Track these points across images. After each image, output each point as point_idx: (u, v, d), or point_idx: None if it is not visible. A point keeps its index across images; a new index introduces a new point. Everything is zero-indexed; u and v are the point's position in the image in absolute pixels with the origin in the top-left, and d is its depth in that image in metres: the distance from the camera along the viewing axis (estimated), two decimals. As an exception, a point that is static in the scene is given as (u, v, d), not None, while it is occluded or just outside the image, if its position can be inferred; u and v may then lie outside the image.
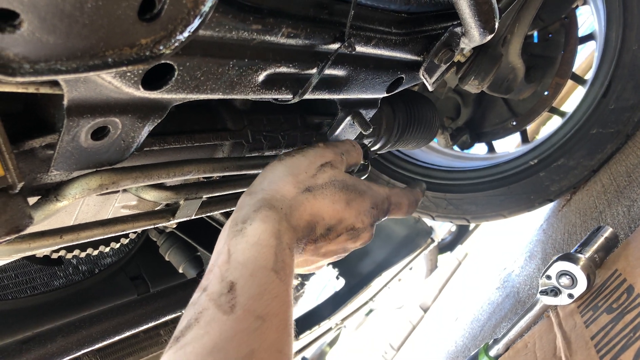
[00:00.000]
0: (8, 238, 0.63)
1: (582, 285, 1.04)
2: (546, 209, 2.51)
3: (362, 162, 1.29)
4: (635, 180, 1.49)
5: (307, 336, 2.65)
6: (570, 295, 1.05)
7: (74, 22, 0.47)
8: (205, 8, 0.54)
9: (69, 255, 1.17)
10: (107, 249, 1.26)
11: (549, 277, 1.07)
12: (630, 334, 0.76)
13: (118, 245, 1.26)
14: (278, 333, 0.59)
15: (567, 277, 1.05)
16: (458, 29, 0.98)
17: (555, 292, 1.07)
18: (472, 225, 5.22)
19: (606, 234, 1.13)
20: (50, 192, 0.72)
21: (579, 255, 1.06)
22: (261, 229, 0.67)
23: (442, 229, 5.34)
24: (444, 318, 3.43)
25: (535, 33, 2.27)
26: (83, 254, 1.20)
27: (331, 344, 6.30)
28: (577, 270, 1.03)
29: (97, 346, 0.90)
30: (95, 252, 1.21)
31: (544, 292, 1.09)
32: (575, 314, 1.02)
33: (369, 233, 0.85)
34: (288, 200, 0.74)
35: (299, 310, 2.71)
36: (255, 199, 0.72)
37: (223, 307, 0.58)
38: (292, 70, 0.80)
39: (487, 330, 1.89)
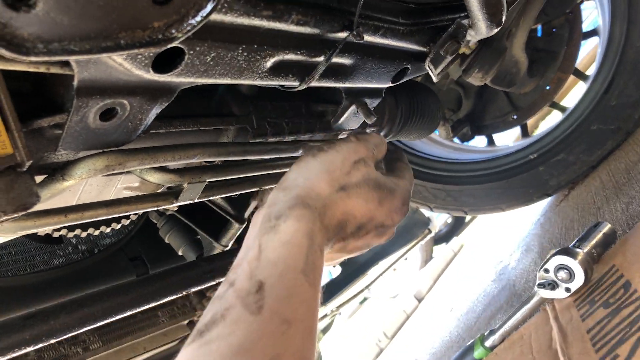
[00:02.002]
0: (15, 215, 0.64)
1: (579, 279, 1.05)
2: (543, 203, 2.52)
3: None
4: (634, 177, 1.50)
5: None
6: (568, 289, 1.07)
7: (89, 3, 0.47)
8: (219, -7, 0.55)
9: (71, 235, 1.18)
10: (108, 230, 1.26)
11: (546, 271, 1.09)
12: (627, 329, 0.78)
13: (119, 226, 1.27)
14: (303, 339, 0.59)
15: (565, 271, 1.06)
16: (465, 21, 0.98)
17: (552, 285, 1.08)
18: (468, 218, 5.24)
19: (604, 230, 1.14)
20: (57, 171, 0.72)
21: (577, 250, 1.07)
22: (294, 227, 0.66)
23: (438, 220, 5.37)
24: (439, 308, 3.46)
25: (539, 27, 2.27)
26: (84, 234, 1.21)
27: (324, 330, 6.35)
28: (575, 264, 1.04)
29: (98, 324, 0.90)
30: (97, 232, 1.22)
31: (542, 285, 1.10)
32: (572, 307, 1.03)
33: (394, 229, 0.85)
34: (322, 199, 0.73)
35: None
36: (289, 195, 0.71)
37: (250, 307, 0.58)
38: (300, 57, 0.80)
39: (482, 321, 1.91)
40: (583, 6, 2.32)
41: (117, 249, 1.53)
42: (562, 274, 1.06)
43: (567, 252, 1.06)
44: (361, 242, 0.80)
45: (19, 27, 0.45)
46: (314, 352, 0.61)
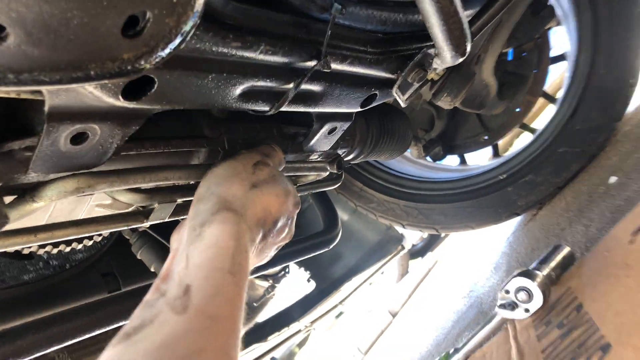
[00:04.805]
0: (-17, 237, 0.65)
1: (537, 300, 1.09)
2: (513, 222, 2.58)
3: (335, 171, 1.33)
4: (595, 201, 1.56)
5: (275, 337, 2.68)
6: (527, 310, 1.11)
7: (60, 37, 0.49)
8: (187, 27, 0.57)
9: (41, 251, 1.18)
10: (80, 246, 1.27)
11: (507, 292, 1.12)
12: (575, 349, 0.81)
13: (91, 242, 1.27)
14: (227, 335, 0.60)
15: (525, 292, 1.10)
16: (431, 50, 1.02)
17: (512, 306, 1.12)
18: (442, 234, 5.29)
19: (563, 253, 1.18)
20: (27, 192, 0.73)
21: (537, 272, 1.12)
22: (219, 230, 0.70)
23: (414, 235, 5.41)
24: (412, 324, 3.50)
25: (510, 51, 2.34)
26: (55, 250, 1.21)
27: (300, 344, 6.32)
28: (533, 286, 1.08)
29: (67, 343, 0.91)
30: (68, 249, 1.22)
31: (502, 306, 1.14)
32: (530, 327, 1.07)
33: (293, 226, 0.91)
34: (240, 199, 0.77)
35: (269, 312, 2.74)
36: (209, 203, 0.75)
37: (177, 309, 0.60)
38: (269, 84, 0.83)
39: (450, 338, 1.94)
40: (553, 31, 2.40)
41: (89, 265, 1.53)
42: (522, 295, 1.10)
43: (527, 274, 1.10)
44: (277, 238, 0.85)
45: (-10, 59, 0.47)
46: (238, 349, 0.62)
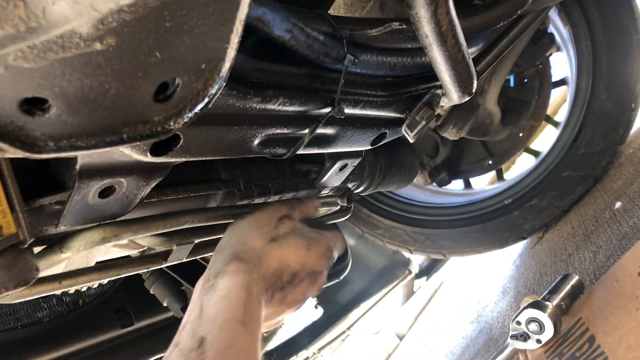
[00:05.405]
0: (16, 290, 0.67)
1: (549, 331, 1.10)
2: (519, 246, 2.59)
3: (346, 204, 1.35)
4: (601, 225, 1.58)
5: (284, 366, 2.68)
6: (539, 341, 1.12)
7: (97, 106, 0.52)
8: (213, 90, 0.60)
9: (59, 292, 1.20)
10: (95, 285, 1.29)
11: (519, 323, 1.14)
12: (590, 385, 0.83)
13: (107, 281, 1.29)
14: None
15: (536, 323, 1.12)
16: (439, 91, 1.06)
17: (524, 337, 1.13)
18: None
19: (572, 282, 1.20)
20: (55, 244, 0.76)
21: (547, 302, 1.13)
22: (231, 281, 0.72)
23: (416, 258, 5.40)
24: (419, 348, 3.48)
25: (512, 77, 2.39)
26: (72, 290, 1.23)
27: (306, 369, 6.26)
28: (544, 317, 1.10)
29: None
30: (84, 288, 1.24)
31: (514, 337, 1.15)
32: (543, 358, 1.08)
33: (324, 277, 0.92)
34: (256, 251, 0.79)
35: (277, 339, 2.74)
36: (225, 254, 0.78)
37: None
38: (286, 131, 0.86)
39: (460, 365, 1.94)
40: (553, 57, 2.45)
41: (102, 301, 1.55)
42: (533, 326, 1.12)
43: (537, 305, 1.12)
44: (298, 292, 0.86)
45: (33, 129, 0.50)
46: None
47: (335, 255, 0.93)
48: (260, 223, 0.85)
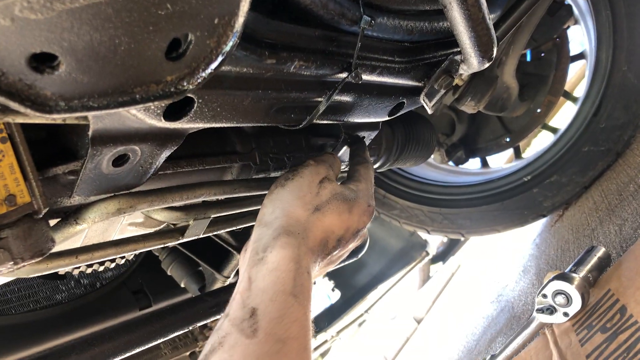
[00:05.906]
0: (32, 261, 0.66)
1: (576, 304, 1.07)
2: (539, 224, 2.55)
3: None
4: (626, 199, 1.54)
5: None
6: (566, 314, 1.09)
7: (107, 63, 0.50)
8: (227, 47, 0.58)
9: (76, 271, 1.20)
10: (112, 265, 1.28)
11: (544, 296, 1.11)
12: (624, 354, 0.80)
13: (123, 261, 1.28)
14: (298, 356, 0.62)
15: (563, 296, 1.08)
16: (458, 57, 1.02)
17: (551, 310, 1.10)
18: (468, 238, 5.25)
19: (599, 254, 1.17)
20: (70, 215, 0.74)
21: (574, 274, 1.10)
22: (281, 255, 0.71)
23: (434, 240, 5.37)
24: (438, 331, 3.46)
25: (529, 52, 2.33)
26: (89, 270, 1.22)
27: (323, 354, 6.29)
28: (572, 289, 1.07)
29: (109, 363, 0.92)
30: (101, 268, 1.23)
31: (540, 310, 1.12)
32: (571, 332, 1.05)
33: (365, 231, 0.92)
34: (302, 223, 0.78)
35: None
36: (272, 228, 0.77)
37: (245, 332, 0.62)
38: (302, 98, 0.83)
39: (482, 344, 1.92)
40: (570, 30, 2.39)
41: (119, 283, 1.54)
42: (560, 299, 1.09)
43: (563, 277, 1.09)
44: (343, 251, 0.88)
45: (42, 88, 0.48)
46: None
47: (373, 203, 0.92)
48: (302, 192, 0.83)
